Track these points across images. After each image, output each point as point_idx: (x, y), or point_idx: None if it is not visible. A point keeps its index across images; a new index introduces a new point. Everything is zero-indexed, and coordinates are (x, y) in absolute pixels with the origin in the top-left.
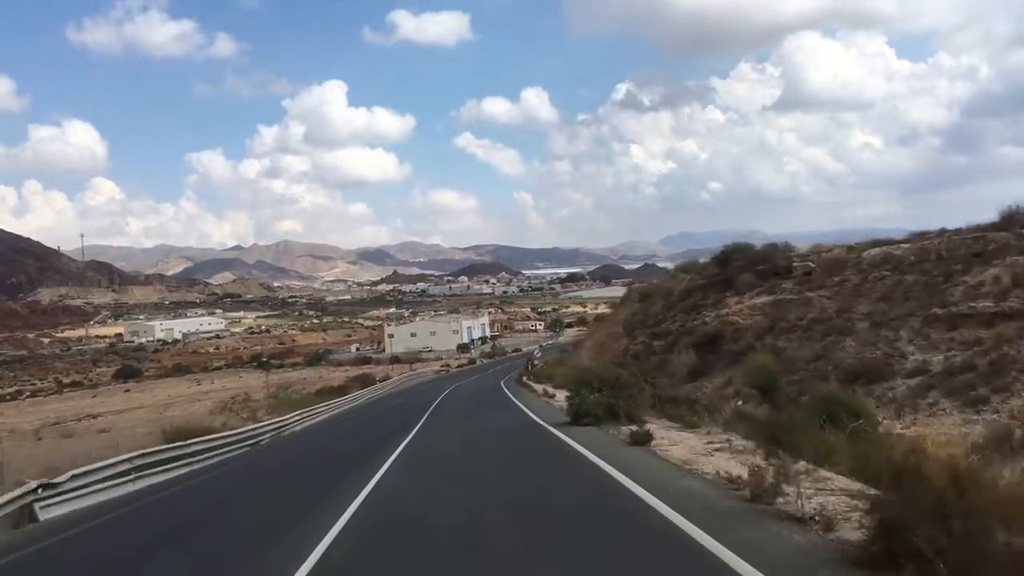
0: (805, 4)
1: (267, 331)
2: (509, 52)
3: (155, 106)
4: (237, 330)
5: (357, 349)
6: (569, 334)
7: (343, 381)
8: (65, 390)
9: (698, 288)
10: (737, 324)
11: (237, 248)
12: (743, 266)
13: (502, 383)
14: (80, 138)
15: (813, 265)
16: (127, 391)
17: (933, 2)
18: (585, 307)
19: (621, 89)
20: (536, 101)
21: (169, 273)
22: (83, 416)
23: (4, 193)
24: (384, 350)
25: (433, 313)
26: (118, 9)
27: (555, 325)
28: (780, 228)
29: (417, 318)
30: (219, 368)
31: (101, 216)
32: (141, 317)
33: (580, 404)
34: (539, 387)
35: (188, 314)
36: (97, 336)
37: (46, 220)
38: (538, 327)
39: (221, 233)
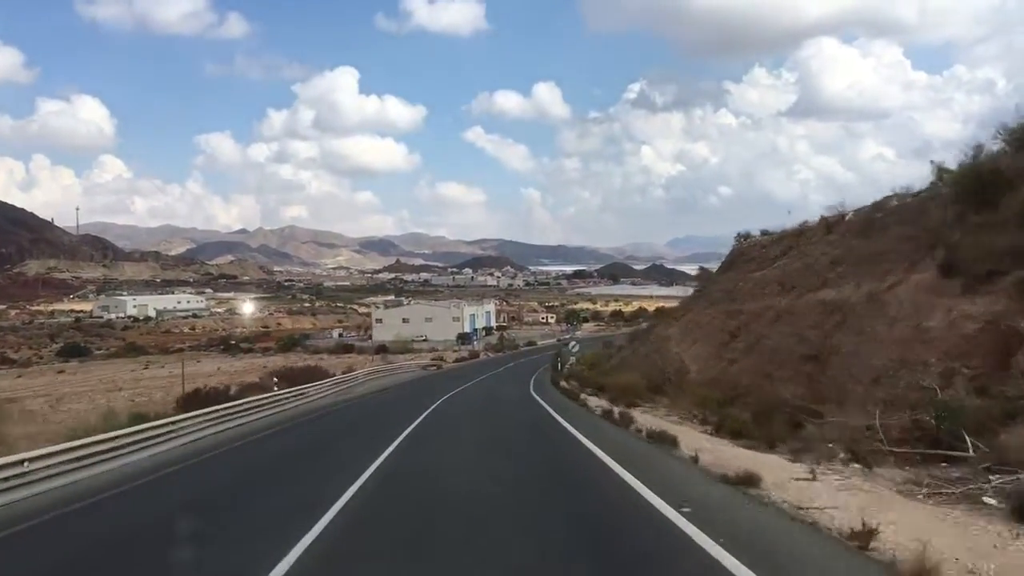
0: (825, 8)
1: (251, 312)
2: (523, 45)
3: (165, 85)
4: (219, 310)
5: (340, 335)
6: (586, 328)
7: (262, 375)
8: None
9: None
10: None
11: (242, 232)
12: None
13: (533, 391)
14: (89, 114)
15: None
16: (60, 372)
17: (955, 13)
18: (595, 303)
19: (634, 88)
20: (548, 96)
21: (172, 253)
22: None
23: (12, 166)
24: (371, 338)
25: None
26: None
27: (571, 318)
28: None
29: (413, 303)
30: (180, 350)
31: (107, 194)
32: (125, 293)
33: None
34: (606, 404)
35: (175, 292)
36: (71, 310)
37: (53, 195)
38: (549, 320)
39: (227, 216)
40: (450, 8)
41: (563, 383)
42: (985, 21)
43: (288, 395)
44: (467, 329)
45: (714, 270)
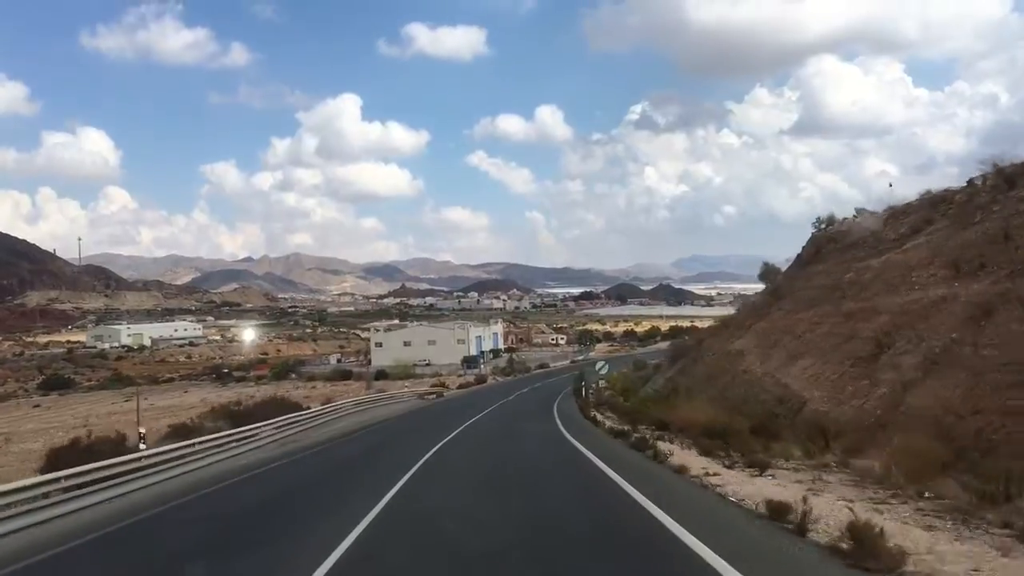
0: (826, 26)
1: (252, 339)
2: (525, 68)
3: (168, 115)
4: (216, 337)
5: (339, 361)
6: (599, 348)
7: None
8: None
9: None
10: None
11: (247, 260)
12: None
13: (564, 429)
14: (94, 145)
15: None
16: (36, 406)
17: (956, 28)
18: (604, 324)
19: (636, 109)
20: (551, 119)
21: (178, 283)
22: None
23: (18, 199)
24: (370, 363)
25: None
26: (131, 15)
27: (583, 339)
28: (792, 254)
29: (414, 325)
30: (170, 380)
31: (113, 225)
32: (123, 323)
33: None
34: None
35: (175, 320)
36: (68, 341)
37: (59, 227)
38: (560, 341)
39: (232, 245)
40: (452, 33)
41: (596, 415)
42: (986, 36)
43: (212, 443)
44: (473, 352)
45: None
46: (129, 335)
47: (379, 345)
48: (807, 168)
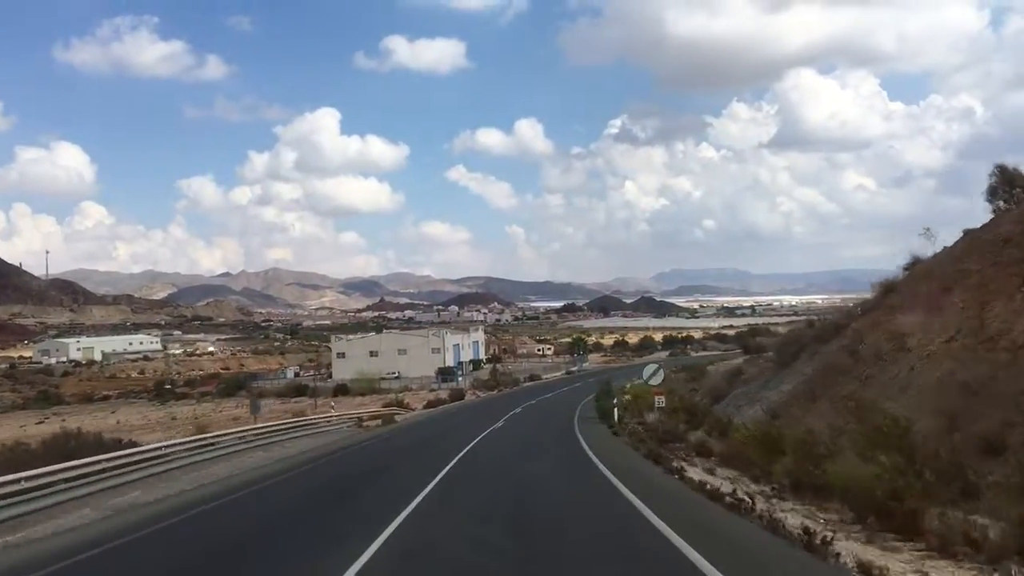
0: (804, 39)
1: (210, 353)
2: (504, 82)
3: (145, 129)
4: (176, 351)
5: (297, 374)
6: (592, 359)
7: None
8: None
9: None
10: None
11: (225, 275)
12: None
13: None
14: (69, 161)
15: None
16: None
17: (933, 41)
18: (590, 336)
19: (616, 123)
20: (530, 133)
21: (155, 298)
22: None
23: None
24: (330, 376)
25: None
26: (106, 28)
27: (577, 347)
28: (772, 268)
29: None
30: (106, 397)
31: (89, 240)
32: (82, 337)
33: None
34: None
35: (138, 334)
36: (20, 357)
37: (34, 243)
38: (547, 352)
39: (210, 260)
40: (431, 46)
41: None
42: (962, 49)
43: None
44: (451, 362)
45: None
46: (79, 349)
47: (341, 356)
48: (785, 182)
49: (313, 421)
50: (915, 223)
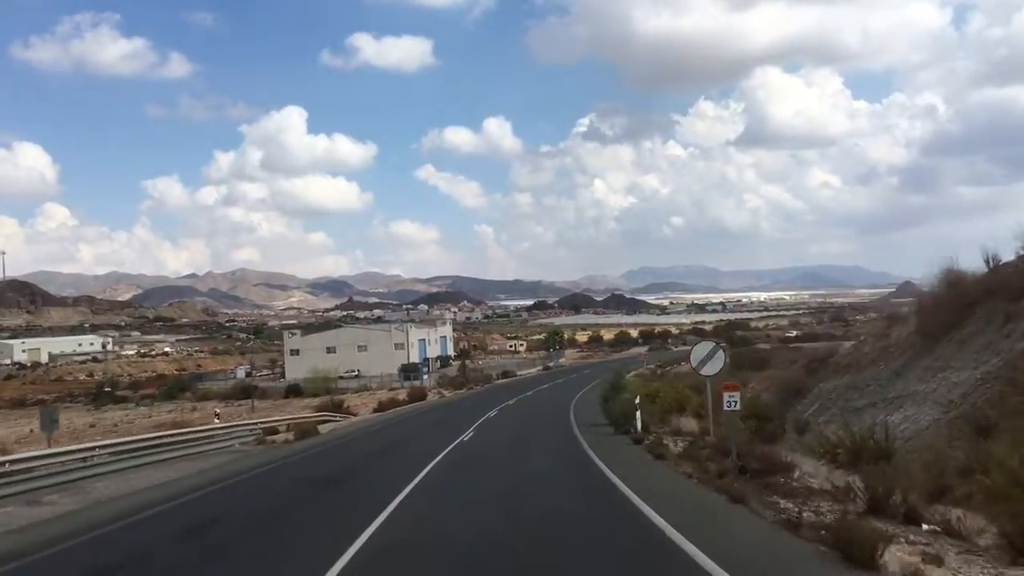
0: (771, 37)
1: (165, 353)
2: (472, 80)
3: (107, 128)
4: (130, 352)
5: (248, 374)
6: (568, 355)
7: None
8: None
9: None
10: None
11: (192, 276)
12: None
13: None
14: (30, 161)
15: None
16: None
17: (896, 39)
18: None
19: (584, 121)
20: (499, 131)
21: (119, 300)
22: None
23: None
24: (283, 375)
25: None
26: (66, 25)
27: (551, 340)
28: (740, 265)
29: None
30: (41, 402)
31: (51, 242)
32: (34, 339)
33: None
34: None
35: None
36: None
37: None
38: (519, 348)
39: (176, 261)
40: (397, 44)
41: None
42: (925, 47)
43: None
44: (417, 359)
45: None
46: (24, 351)
47: (295, 353)
48: (752, 179)
49: (193, 437)
50: (879, 220)
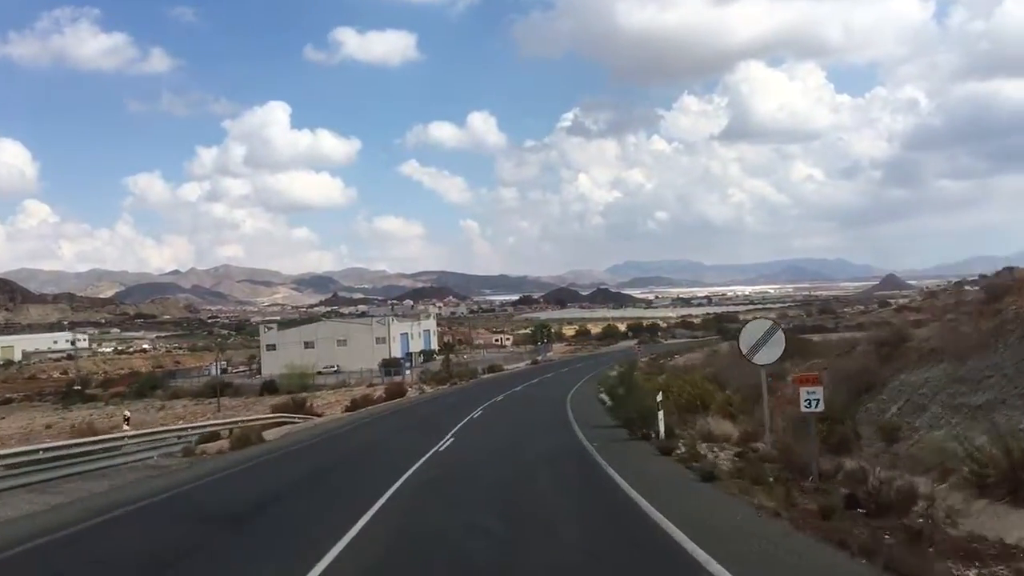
0: (754, 31)
1: (143, 350)
2: (456, 74)
3: (88, 125)
4: (107, 349)
5: (224, 371)
6: (556, 348)
7: None
8: None
9: None
10: None
11: (175, 273)
12: None
13: None
14: (9, 158)
15: None
16: None
17: (880, 33)
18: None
19: (568, 116)
20: (483, 126)
21: (102, 297)
22: None
23: None
24: (259, 371)
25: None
26: (45, 20)
27: (540, 333)
28: (724, 259)
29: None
30: (8, 401)
31: (33, 240)
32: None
33: None
34: None
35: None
36: None
37: None
38: (505, 343)
39: (159, 258)
40: (381, 38)
41: None
42: (907, 41)
43: None
44: (399, 353)
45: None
46: None
47: (271, 348)
48: (736, 173)
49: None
50: (862, 214)
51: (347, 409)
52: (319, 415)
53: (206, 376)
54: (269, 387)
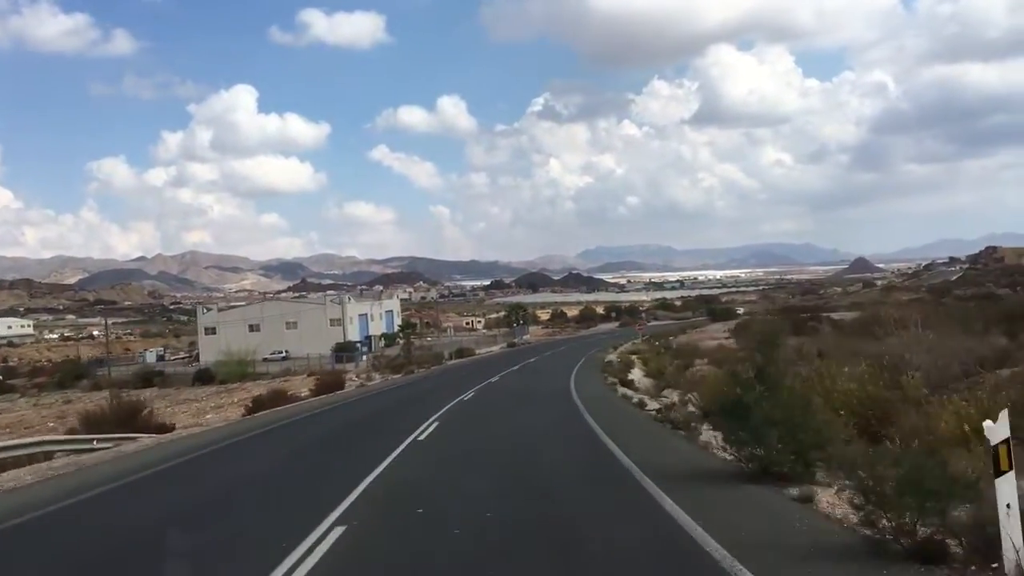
0: (725, 15)
1: (91, 336)
2: (425, 57)
3: (50, 108)
4: (53, 336)
5: (161, 357)
6: (533, 331)
7: None
8: None
9: None
10: None
11: (141, 260)
12: None
13: None
14: None
15: None
16: None
17: (849, 16)
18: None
19: (539, 100)
20: (453, 110)
21: (65, 284)
22: None
23: None
24: (197, 358)
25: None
26: (2, 1)
27: (515, 314)
28: (695, 243)
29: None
30: None
31: None
32: None
33: None
34: None
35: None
36: None
37: None
38: (477, 326)
39: (125, 245)
40: (349, 20)
41: None
42: (876, 25)
43: None
44: (356, 336)
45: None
46: None
47: (210, 331)
48: (706, 158)
49: None
50: (829, 198)
51: (247, 412)
52: (170, 428)
53: (139, 364)
54: (203, 376)
